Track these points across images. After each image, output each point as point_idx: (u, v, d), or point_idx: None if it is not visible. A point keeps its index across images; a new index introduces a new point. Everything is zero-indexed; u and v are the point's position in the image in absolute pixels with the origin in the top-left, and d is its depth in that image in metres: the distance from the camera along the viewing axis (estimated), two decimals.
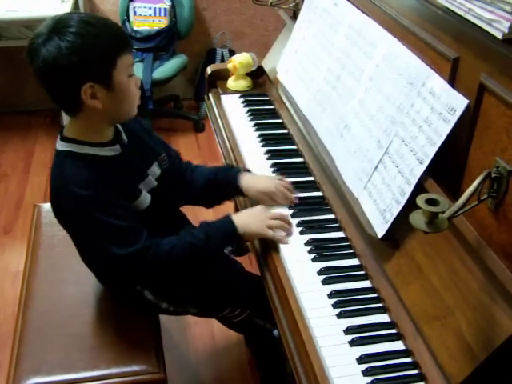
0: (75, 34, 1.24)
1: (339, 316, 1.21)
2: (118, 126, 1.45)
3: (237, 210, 2.21)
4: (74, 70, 1.25)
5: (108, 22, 1.34)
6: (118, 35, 1.33)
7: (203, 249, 1.41)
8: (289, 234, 1.43)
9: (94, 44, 1.26)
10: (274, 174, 1.67)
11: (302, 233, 1.44)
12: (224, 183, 1.60)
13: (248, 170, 1.65)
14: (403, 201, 1.23)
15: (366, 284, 1.30)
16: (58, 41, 1.24)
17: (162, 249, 1.38)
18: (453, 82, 1.21)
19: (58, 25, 1.26)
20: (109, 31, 1.30)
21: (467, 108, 1.13)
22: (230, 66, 2.09)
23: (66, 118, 3.22)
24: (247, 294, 1.62)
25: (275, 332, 1.67)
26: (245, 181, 1.57)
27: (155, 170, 1.52)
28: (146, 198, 1.46)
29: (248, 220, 1.44)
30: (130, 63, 1.34)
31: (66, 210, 1.37)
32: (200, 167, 1.68)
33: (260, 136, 1.85)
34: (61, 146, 1.38)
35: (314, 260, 1.36)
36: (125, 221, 1.35)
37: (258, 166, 1.70)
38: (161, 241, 1.39)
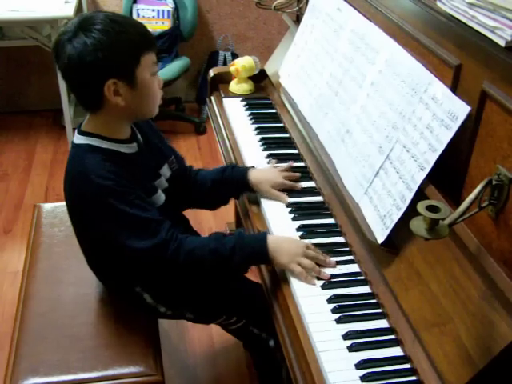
0: (101, 30, 1.27)
1: (338, 321, 1.21)
2: (133, 126, 1.46)
3: (237, 215, 2.20)
4: (98, 66, 1.27)
5: (133, 20, 1.38)
6: (143, 33, 1.35)
7: (226, 258, 1.35)
8: (321, 275, 1.33)
9: (119, 41, 1.28)
10: (269, 164, 1.73)
11: (302, 237, 1.44)
12: (232, 180, 1.63)
13: (252, 167, 1.67)
14: (404, 207, 1.23)
15: (366, 289, 1.29)
16: (83, 37, 1.26)
17: (184, 246, 1.35)
18: (455, 88, 1.21)
19: (84, 22, 1.28)
20: (133, 29, 1.33)
21: (469, 115, 1.13)
22: (232, 69, 2.09)
23: (67, 119, 3.26)
24: (243, 303, 1.60)
25: (271, 342, 1.66)
26: (253, 176, 1.61)
27: (166, 171, 1.54)
28: (161, 196, 1.49)
29: (282, 248, 1.35)
30: (154, 62, 1.36)
31: (86, 199, 1.35)
32: (203, 170, 1.70)
33: (261, 140, 1.85)
34: (79, 139, 1.39)
35: None
36: (145, 212, 1.34)
37: None
38: (186, 238, 1.37)
